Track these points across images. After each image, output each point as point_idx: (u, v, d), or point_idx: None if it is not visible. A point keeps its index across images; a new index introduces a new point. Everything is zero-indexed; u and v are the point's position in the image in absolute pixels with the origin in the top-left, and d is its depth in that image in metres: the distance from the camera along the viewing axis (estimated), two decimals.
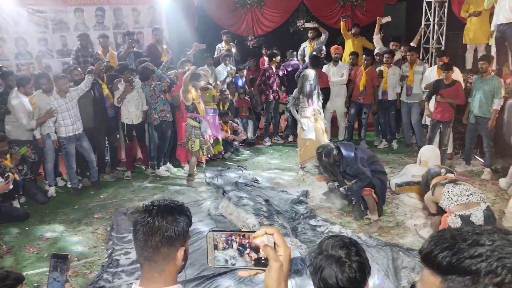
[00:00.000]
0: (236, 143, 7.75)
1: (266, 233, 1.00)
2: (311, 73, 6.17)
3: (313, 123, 6.29)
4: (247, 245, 1.00)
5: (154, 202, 1.44)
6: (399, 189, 5.43)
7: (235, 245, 1.02)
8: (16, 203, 5.59)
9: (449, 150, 6.77)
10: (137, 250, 1.41)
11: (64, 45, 8.16)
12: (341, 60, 7.87)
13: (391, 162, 6.94)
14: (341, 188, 4.96)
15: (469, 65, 7.60)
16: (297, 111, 6.35)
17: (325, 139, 6.34)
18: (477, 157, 6.73)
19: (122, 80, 6.31)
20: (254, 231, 1.02)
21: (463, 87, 6.37)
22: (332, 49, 7.83)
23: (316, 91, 6.26)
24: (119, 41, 8.51)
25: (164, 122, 6.53)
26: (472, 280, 0.80)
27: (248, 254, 1.01)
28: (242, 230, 1.24)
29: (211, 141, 6.26)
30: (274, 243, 1.00)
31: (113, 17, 8.70)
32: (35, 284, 3.86)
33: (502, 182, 5.67)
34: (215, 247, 1.03)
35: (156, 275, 1.39)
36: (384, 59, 7.31)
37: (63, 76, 5.87)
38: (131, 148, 6.76)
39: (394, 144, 7.75)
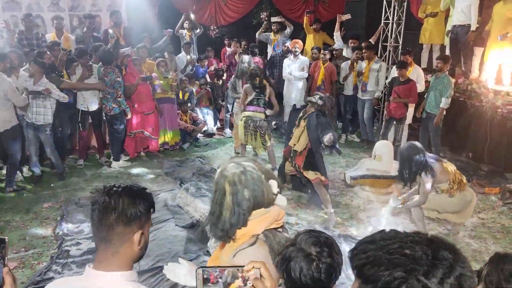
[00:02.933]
0: (195, 133, 7.66)
1: (253, 267, 1.11)
2: (245, 57, 6.68)
3: None
4: (235, 278, 1.10)
5: (115, 184, 1.42)
6: (354, 182, 5.57)
7: (223, 279, 1.10)
8: None
9: (402, 145, 6.99)
10: (93, 230, 1.39)
11: (15, 25, 7.69)
12: (301, 54, 7.93)
13: (347, 156, 7.09)
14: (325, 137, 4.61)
15: (424, 64, 7.88)
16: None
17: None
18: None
19: (80, 64, 6.05)
20: (242, 266, 1.11)
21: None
22: (292, 42, 7.88)
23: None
24: (75, 23, 8.15)
25: (122, 112, 6.31)
26: None
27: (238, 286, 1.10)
28: (230, 265, 1.26)
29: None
30: (261, 275, 1.11)
31: None
32: None
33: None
34: (205, 282, 1.11)
35: (110, 257, 1.35)
36: (355, 55, 7.40)
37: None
38: (85, 136, 6.51)
39: (355, 137, 8.00)
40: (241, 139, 6.13)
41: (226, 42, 9.24)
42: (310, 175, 4.83)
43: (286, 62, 7.76)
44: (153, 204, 1.45)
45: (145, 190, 1.45)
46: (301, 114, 5.04)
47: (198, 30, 8.69)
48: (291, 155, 4.98)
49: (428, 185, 4.11)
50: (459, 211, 4.40)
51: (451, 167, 4.32)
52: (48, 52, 5.97)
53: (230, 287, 1.10)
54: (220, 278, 1.09)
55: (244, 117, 5.98)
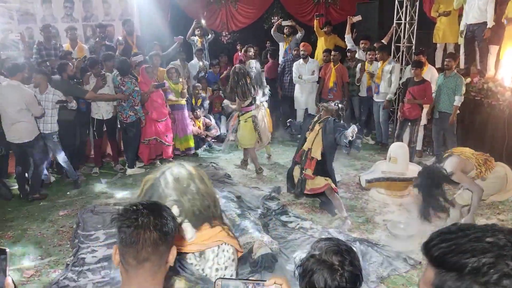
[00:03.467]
0: (208, 139, 7.67)
1: (275, 283, 1.11)
2: (252, 62, 6.68)
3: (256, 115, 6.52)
4: None
5: (134, 203, 1.36)
6: (369, 185, 5.49)
7: None
8: None
9: (418, 147, 6.90)
10: (131, 254, 1.30)
11: (30, 37, 7.85)
12: (311, 57, 7.91)
13: (362, 158, 7.02)
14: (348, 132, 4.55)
15: (438, 64, 7.76)
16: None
17: (268, 133, 6.75)
18: None
19: (93, 74, 6.13)
20: (264, 280, 1.11)
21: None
22: (300, 46, 7.89)
23: (259, 81, 6.51)
24: (88, 33, 8.28)
25: (138, 120, 6.37)
26: (458, 275, 0.78)
27: None
28: (251, 279, 1.29)
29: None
30: None
31: (82, 9, 8.47)
32: None
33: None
34: None
35: (149, 279, 1.31)
36: (368, 57, 7.35)
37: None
38: (100, 144, 6.59)
39: (370, 140, 7.91)
40: (252, 138, 6.26)
41: (238, 47, 9.27)
42: (320, 181, 4.79)
43: (295, 65, 7.75)
44: (176, 220, 1.42)
45: (166, 207, 1.42)
46: (315, 119, 5.03)
47: (209, 36, 8.73)
48: (303, 158, 4.95)
49: (467, 179, 4.00)
50: (499, 189, 4.28)
51: (468, 152, 4.18)
52: (70, 63, 6.08)
53: None
54: None
55: (249, 117, 6.15)
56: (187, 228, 1.67)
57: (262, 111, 6.63)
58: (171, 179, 1.68)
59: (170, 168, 1.73)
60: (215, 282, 1.09)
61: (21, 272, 3.93)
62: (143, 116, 6.38)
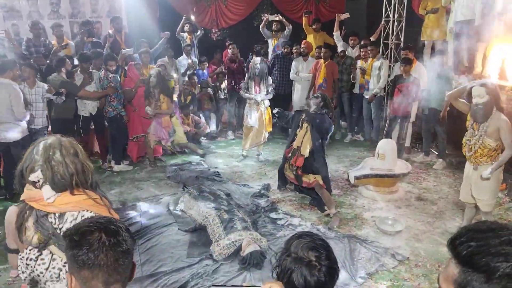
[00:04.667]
0: (198, 137, 7.64)
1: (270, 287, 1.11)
2: (257, 58, 6.65)
3: (256, 112, 6.56)
4: None
5: (84, 222, 1.30)
6: (358, 182, 5.51)
7: None
8: None
9: (407, 143, 6.94)
10: (99, 278, 1.25)
11: (16, 34, 7.72)
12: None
13: (351, 155, 7.05)
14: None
15: (426, 61, 7.79)
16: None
17: (266, 132, 6.75)
18: (433, 150, 6.94)
19: (79, 70, 6.06)
20: (259, 286, 1.13)
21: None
22: (302, 43, 7.89)
23: (264, 79, 6.53)
24: (75, 30, 8.18)
25: (118, 115, 6.33)
26: (486, 278, 0.75)
27: None
28: (244, 285, 1.27)
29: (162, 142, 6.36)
30: None
31: (69, 6, 8.36)
32: None
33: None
34: None
35: None
36: (362, 54, 7.33)
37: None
38: (86, 141, 6.51)
39: (360, 137, 7.96)
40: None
41: (227, 44, 9.22)
42: (309, 178, 4.82)
43: (294, 62, 7.74)
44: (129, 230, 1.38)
45: (116, 220, 1.37)
46: (303, 116, 5.05)
47: (198, 32, 8.67)
48: (290, 155, 4.97)
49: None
50: None
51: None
52: (68, 60, 6.04)
53: None
54: None
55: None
56: (47, 190, 1.88)
57: (262, 109, 6.61)
58: (42, 147, 1.92)
59: (46, 139, 1.95)
60: None
61: (7, 272, 3.88)
62: (123, 112, 6.35)
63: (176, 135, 6.59)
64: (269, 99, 6.77)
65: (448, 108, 6.08)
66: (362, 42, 7.55)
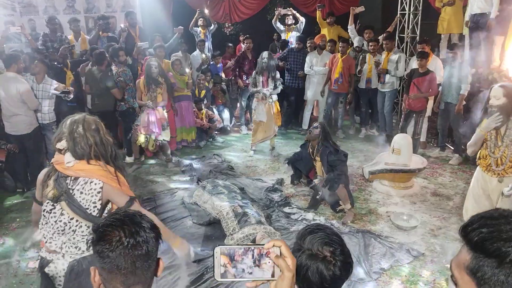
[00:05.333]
0: (212, 131, 7.67)
1: (274, 246, 1.09)
2: (264, 53, 6.62)
3: (264, 106, 6.56)
4: (255, 258, 1.09)
5: (108, 222, 1.25)
6: (372, 177, 5.48)
7: (243, 258, 1.08)
8: None
9: (422, 138, 6.87)
10: (118, 279, 1.23)
11: (33, 29, 7.84)
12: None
13: (365, 150, 7.00)
14: (315, 180, 4.99)
15: (442, 55, 7.69)
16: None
17: (275, 126, 6.75)
18: (449, 145, 6.85)
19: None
20: (262, 245, 1.08)
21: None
22: (317, 38, 7.82)
23: (271, 73, 6.51)
24: (90, 25, 8.26)
25: (130, 108, 6.37)
26: (498, 263, 0.77)
27: (256, 266, 1.08)
28: (250, 243, 1.28)
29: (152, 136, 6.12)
30: (281, 254, 1.09)
31: (84, 1, 8.44)
32: None
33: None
34: (231, 259, 1.09)
35: None
36: (370, 48, 7.23)
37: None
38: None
39: (375, 132, 7.87)
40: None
41: (241, 38, 9.21)
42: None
43: (309, 56, 7.68)
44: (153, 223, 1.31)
45: (140, 216, 1.30)
46: (309, 150, 5.11)
47: (212, 27, 8.67)
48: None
49: None
50: None
51: None
52: (107, 55, 6.14)
53: None
54: (245, 255, 1.08)
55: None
56: (68, 157, 2.26)
57: (269, 102, 6.61)
58: (68, 122, 2.28)
59: (74, 115, 2.32)
60: (214, 249, 1.09)
61: (26, 263, 3.96)
62: (135, 104, 6.36)
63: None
64: (283, 93, 6.75)
65: (464, 102, 6.00)
66: (384, 35, 7.39)
